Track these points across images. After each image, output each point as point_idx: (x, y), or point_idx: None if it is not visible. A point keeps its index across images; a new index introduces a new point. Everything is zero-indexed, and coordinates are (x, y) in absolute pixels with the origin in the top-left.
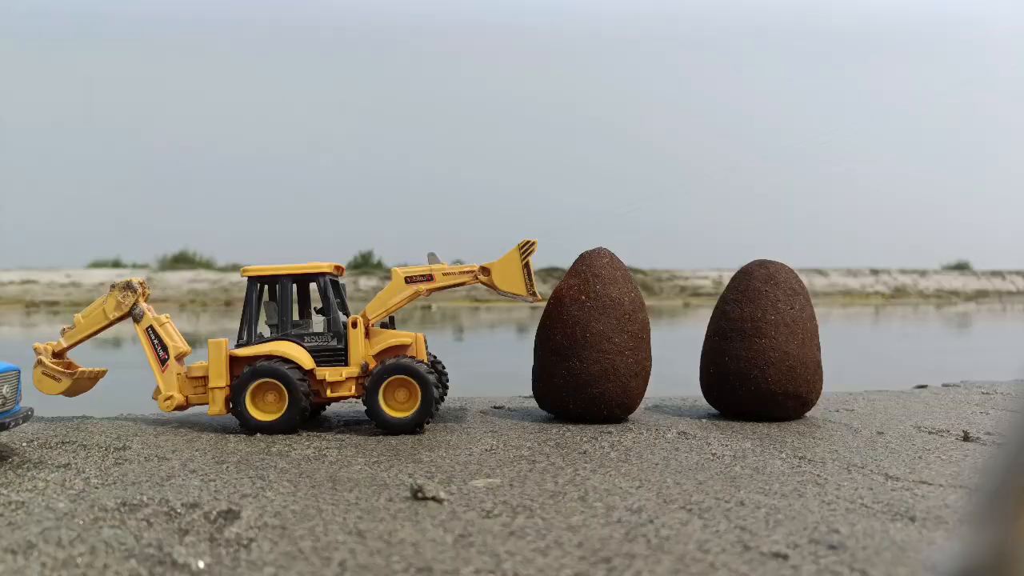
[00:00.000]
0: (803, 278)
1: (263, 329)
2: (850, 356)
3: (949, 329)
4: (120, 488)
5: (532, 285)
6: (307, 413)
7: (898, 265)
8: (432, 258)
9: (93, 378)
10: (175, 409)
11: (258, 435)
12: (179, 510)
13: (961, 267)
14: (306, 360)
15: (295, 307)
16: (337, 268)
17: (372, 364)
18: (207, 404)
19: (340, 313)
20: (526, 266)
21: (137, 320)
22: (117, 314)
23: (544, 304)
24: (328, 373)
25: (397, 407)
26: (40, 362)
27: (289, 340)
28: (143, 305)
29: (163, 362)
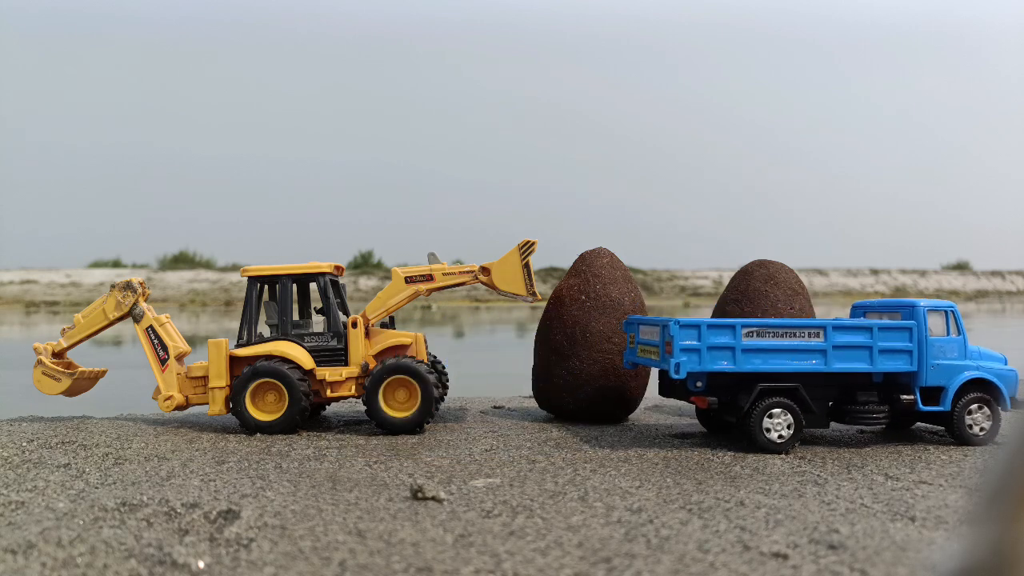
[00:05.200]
0: (803, 278)
1: (263, 329)
2: None
3: None
4: (120, 488)
5: (532, 285)
6: (307, 413)
7: (898, 265)
8: (432, 258)
9: (93, 378)
10: (175, 409)
11: (258, 435)
12: (179, 510)
13: (961, 267)
14: (306, 360)
15: (295, 307)
16: (337, 268)
17: (372, 364)
18: (207, 404)
19: (340, 313)
20: (526, 266)
21: (137, 320)
22: (117, 314)
23: (544, 304)
24: (328, 373)
25: (397, 407)
26: (40, 362)
27: (289, 340)
28: (143, 305)
29: (163, 362)
